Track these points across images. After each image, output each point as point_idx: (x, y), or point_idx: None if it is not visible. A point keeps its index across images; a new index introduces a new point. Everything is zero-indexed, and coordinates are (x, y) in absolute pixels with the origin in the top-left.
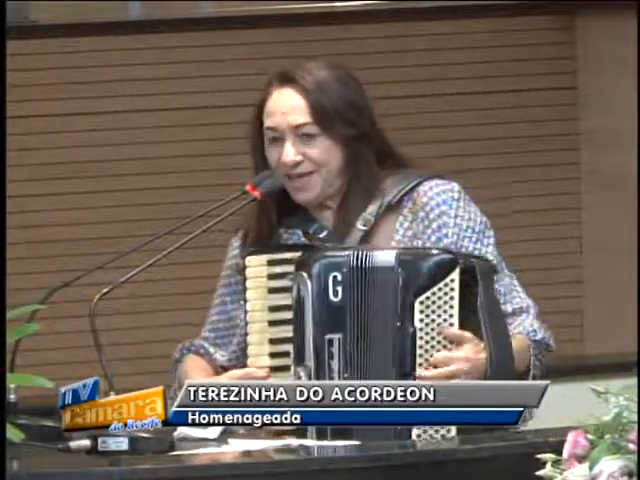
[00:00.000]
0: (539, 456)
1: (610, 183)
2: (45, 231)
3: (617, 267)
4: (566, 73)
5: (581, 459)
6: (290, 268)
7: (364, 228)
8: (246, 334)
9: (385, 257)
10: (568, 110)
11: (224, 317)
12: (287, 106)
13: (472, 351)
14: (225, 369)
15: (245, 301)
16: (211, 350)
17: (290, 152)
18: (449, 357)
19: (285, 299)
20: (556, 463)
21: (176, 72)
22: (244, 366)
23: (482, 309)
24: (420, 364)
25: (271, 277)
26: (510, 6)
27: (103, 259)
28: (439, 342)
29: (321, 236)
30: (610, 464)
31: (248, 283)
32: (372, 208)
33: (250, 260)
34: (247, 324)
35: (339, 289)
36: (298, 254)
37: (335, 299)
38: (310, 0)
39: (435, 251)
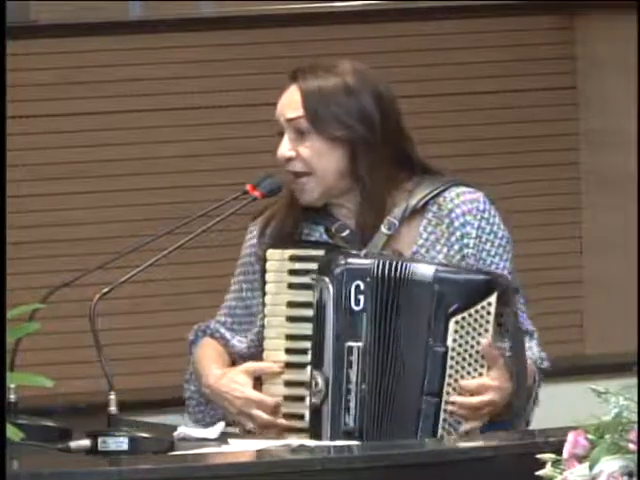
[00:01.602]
0: (539, 456)
1: (610, 183)
2: (45, 231)
3: (617, 267)
4: (566, 73)
5: (581, 459)
6: (312, 265)
7: (389, 232)
8: (263, 326)
9: (423, 271)
10: (568, 110)
11: (241, 304)
12: (287, 100)
13: (502, 379)
14: (243, 357)
15: (264, 294)
16: (227, 335)
17: (284, 146)
18: (484, 385)
19: (304, 296)
20: (556, 463)
21: (176, 72)
22: (262, 355)
23: (511, 336)
24: (449, 384)
25: (292, 273)
26: (510, 6)
27: (103, 259)
28: (470, 364)
29: (344, 235)
30: (610, 464)
31: (268, 276)
32: (397, 212)
33: (272, 253)
34: (264, 317)
35: (361, 298)
36: (321, 252)
37: (357, 308)
38: (310, 0)
39: (474, 271)
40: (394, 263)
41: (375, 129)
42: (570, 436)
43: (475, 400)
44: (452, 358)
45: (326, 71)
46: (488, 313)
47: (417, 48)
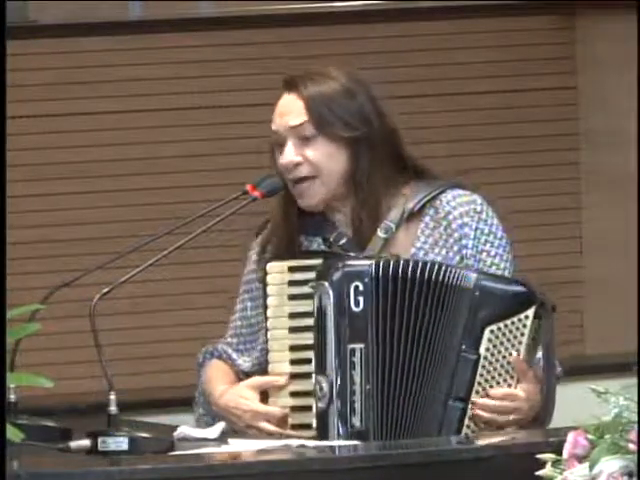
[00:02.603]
0: (539, 456)
1: (610, 183)
2: (45, 231)
3: (617, 267)
4: (566, 73)
5: (581, 459)
6: (311, 275)
7: (385, 236)
8: (267, 341)
9: (464, 276)
10: (568, 110)
11: (246, 323)
12: (286, 109)
13: (532, 392)
14: (248, 375)
15: (266, 308)
16: (234, 356)
17: (289, 153)
18: (513, 394)
19: (306, 306)
20: (556, 463)
21: (176, 72)
22: (267, 372)
23: (545, 352)
24: (477, 391)
25: (292, 284)
26: (510, 6)
27: (103, 259)
28: (500, 374)
29: (341, 243)
30: (610, 464)
31: (269, 290)
32: (393, 215)
33: (271, 267)
34: (267, 331)
35: (360, 299)
36: (319, 261)
37: (356, 309)
38: (310, 0)
39: (514, 281)
40: (436, 266)
41: (374, 129)
42: (570, 436)
43: (502, 404)
44: (483, 367)
45: (321, 76)
46: (524, 326)
47: (417, 48)
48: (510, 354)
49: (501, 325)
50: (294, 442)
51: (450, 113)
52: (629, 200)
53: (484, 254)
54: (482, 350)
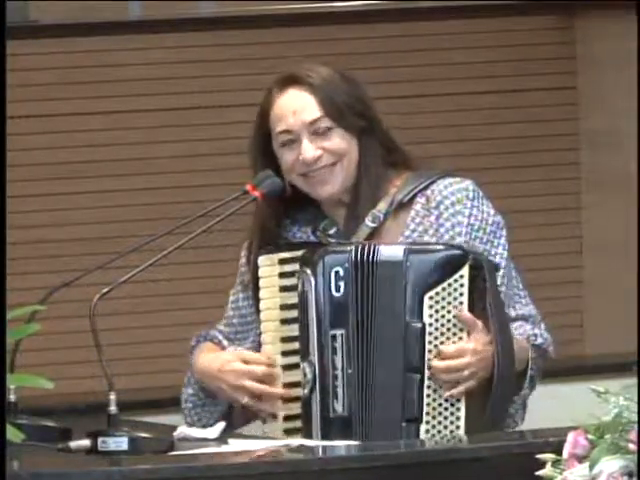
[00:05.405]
0: (539, 456)
1: (610, 183)
2: (45, 231)
3: (617, 267)
4: (566, 73)
5: (581, 459)
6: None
7: (372, 225)
8: (260, 333)
9: (392, 252)
10: (568, 110)
11: (237, 313)
12: (297, 105)
13: (481, 342)
14: None
15: (258, 300)
16: (225, 343)
17: (309, 148)
18: (461, 349)
19: (296, 297)
20: (556, 463)
21: (176, 72)
22: None
23: (490, 305)
24: (429, 359)
25: (282, 275)
26: (510, 6)
27: (103, 259)
28: (448, 338)
29: (330, 233)
30: (610, 464)
31: (261, 282)
32: (382, 205)
33: (262, 260)
34: (260, 323)
35: (341, 284)
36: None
37: (337, 294)
38: (310, 0)
39: (443, 246)
40: (369, 248)
41: (371, 118)
42: (570, 436)
43: (454, 363)
44: (430, 334)
45: (315, 68)
46: (461, 285)
47: (417, 48)
48: (454, 316)
49: (439, 289)
50: (294, 442)
51: (450, 113)
52: (629, 200)
53: (477, 241)
54: (426, 318)
